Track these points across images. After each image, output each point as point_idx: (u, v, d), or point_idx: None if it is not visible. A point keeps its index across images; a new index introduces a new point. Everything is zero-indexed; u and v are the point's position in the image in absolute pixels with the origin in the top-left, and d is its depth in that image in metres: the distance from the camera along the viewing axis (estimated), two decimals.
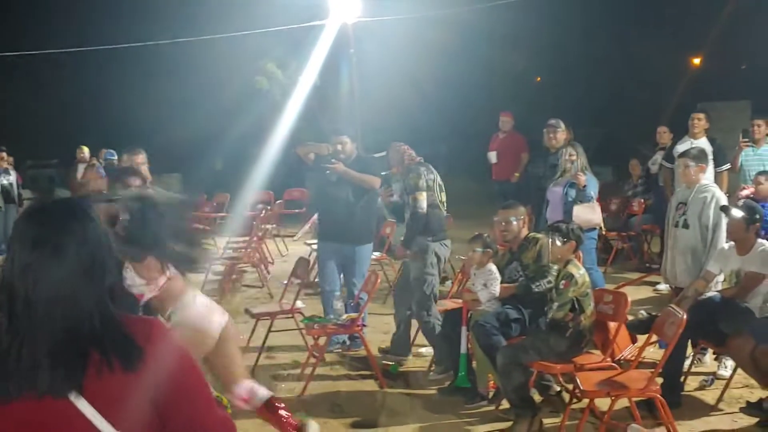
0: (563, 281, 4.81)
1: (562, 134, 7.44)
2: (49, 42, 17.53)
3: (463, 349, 5.41)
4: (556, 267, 5.08)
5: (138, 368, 1.54)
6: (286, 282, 7.19)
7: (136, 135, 15.48)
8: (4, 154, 12.28)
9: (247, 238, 10.07)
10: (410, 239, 6.04)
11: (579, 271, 4.83)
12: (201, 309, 2.85)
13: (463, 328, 5.41)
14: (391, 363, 6.10)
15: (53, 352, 1.51)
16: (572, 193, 6.77)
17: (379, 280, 6.11)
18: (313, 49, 15.05)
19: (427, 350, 6.24)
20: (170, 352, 1.61)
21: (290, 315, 6.37)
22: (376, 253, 7.99)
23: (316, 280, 7.30)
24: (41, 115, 23.46)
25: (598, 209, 7.00)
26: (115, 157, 11.23)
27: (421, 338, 6.24)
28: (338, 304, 6.02)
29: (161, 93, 21.39)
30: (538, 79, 26.83)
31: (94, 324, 1.55)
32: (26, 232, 1.57)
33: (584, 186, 6.69)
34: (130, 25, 19.49)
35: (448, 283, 8.01)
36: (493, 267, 5.38)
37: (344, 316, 5.89)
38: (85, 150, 12.54)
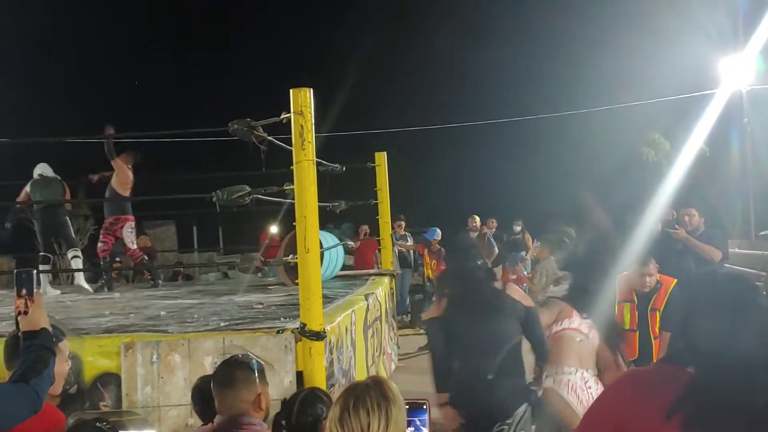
0: None
1: None
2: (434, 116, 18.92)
3: None
4: None
5: None
6: None
7: (515, 205, 16.11)
8: (402, 223, 12.46)
9: None
10: None
11: None
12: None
13: None
14: None
15: None
16: None
17: None
18: (700, 118, 14.63)
19: None
20: None
21: None
22: None
23: None
24: (422, 185, 24.60)
25: None
26: (436, 237, 11.59)
27: None
28: None
29: (541, 164, 21.95)
30: None
31: None
32: (715, 299, 1.82)
33: None
34: (512, 99, 20.59)
35: None
36: None
37: None
38: (477, 219, 12.75)
